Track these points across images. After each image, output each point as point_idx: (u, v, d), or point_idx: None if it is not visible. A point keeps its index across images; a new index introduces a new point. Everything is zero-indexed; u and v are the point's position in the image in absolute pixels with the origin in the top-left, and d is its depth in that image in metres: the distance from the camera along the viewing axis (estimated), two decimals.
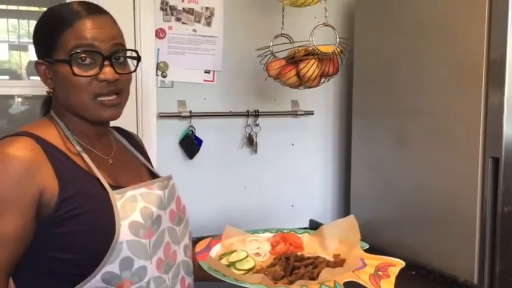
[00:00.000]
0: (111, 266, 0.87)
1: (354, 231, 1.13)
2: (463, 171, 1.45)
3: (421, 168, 1.60)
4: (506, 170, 1.35)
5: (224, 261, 1.08)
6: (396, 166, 1.71)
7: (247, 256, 1.10)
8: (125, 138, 1.12)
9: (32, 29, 1.79)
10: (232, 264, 1.07)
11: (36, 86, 1.65)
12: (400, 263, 1.01)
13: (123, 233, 0.88)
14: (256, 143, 1.89)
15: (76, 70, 0.90)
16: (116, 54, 0.93)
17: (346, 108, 2.06)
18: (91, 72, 0.91)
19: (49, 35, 0.93)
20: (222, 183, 1.88)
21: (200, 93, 1.83)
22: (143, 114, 1.73)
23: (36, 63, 0.96)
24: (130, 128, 1.66)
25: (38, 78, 0.98)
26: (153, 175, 1.10)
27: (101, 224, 0.88)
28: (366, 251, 1.09)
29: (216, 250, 1.14)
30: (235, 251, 1.12)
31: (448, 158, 1.50)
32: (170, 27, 1.76)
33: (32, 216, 0.86)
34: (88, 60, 0.91)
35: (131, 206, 0.92)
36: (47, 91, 0.98)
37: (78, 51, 0.90)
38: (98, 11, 0.95)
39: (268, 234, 1.23)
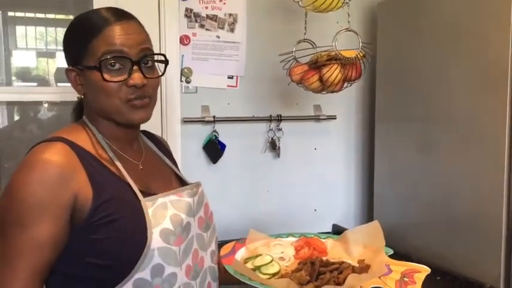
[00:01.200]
0: (143, 273, 0.87)
1: (378, 237, 1.12)
2: (489, 176, 1.44)
3: (446, 173, 1.59)
4: None
5: (249, 265, 1.08)
6: (420, 171, 1.70)
7: (272, 260, 1.10)
8: (153, 143, 1.12)
9: (59, 36, 1.84)
10: (257, 268, 1.07)
11: (63, 92, 1.69)
12: (426, 269, 1.00)
13: (155, 240, 0.88)
14: (279, 147, 1.89)
15: (106, 76, 0.91)
16: (145, 59, 0.94)
17: (369, 113, 2.06)
18: (120, 78, 0.91)
19: (79, 42, 0.94)
20: (245, 187, 1.89)
21: (223, 98, 1.84)
22: (168, 119, 1.75)
23: (66, 70, 0.97)
24: (156, 132, 1.73)
25: (66, 84, 0.98)
26: (181, 181, 1.10)
27: (134, 231, 0.88)
28: (391, 256, 1.09)
29: (240, 254, 1.14)
30: (260, 255, 1.12)
31: (473, 163, 1.49)
32: (194, 34, 1.78)
33: (67, 221, 0.86)
34: (117, 66, 0.92)
35: (162, 213, 0.92)
36: (77, 97, 0.99)
37: (108, 57, 0.91)
38: (126, 17, 0.95)
39: (292, 239, 1.22)
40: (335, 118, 1.99)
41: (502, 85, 1.37)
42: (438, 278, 1.49)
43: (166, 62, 1.00)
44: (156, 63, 0.99)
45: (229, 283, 1.14)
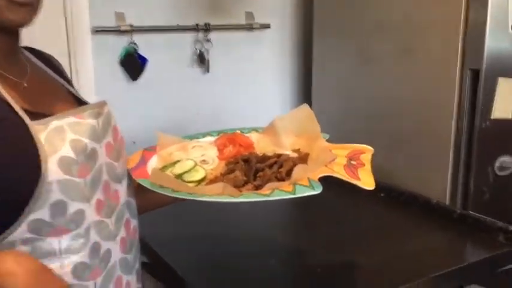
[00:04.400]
0: (39, 213, 0.69)
1: (311, 122, 0.98)
2: (438, 85, 1.33)
3: (389, 86, 1.48)
4: (487, 83, 1.24)
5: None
6: (362, 85, 1.58)
7: (195, 165, 0.92)
8: (42, 62, 0.90)
9: None
10: (178, 176, 0.90)
11: None
12: (369, 149, 0.91)
13: (52, 171, 0.69)
14: (208, 61, 1.71)
15: None
16: None
17: (306, 20, 1.89)
18: None
19: None
20: (171, 106, 1.71)
21: (141, 3, 1.61)
22: (74, 30, 1.50)
23: None
24: (60, 47, 1.49)
25: None
26: (81, 102, 0.90)
27: (21, 161, 0.70)
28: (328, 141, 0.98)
29: (153, 164, 0.94)
30: (178, 161, 0.94)
31: (421, 72, 1.37)
32: None
33: None
34: None
35: (58, 138, 0.72)
36: None
37: None
38: None
39: (211, 138, 1.05)
40: (269, 27, 1.82)
41: None
42: (382, 194, 1.41)
43: None
44: None
45: (151, 207, 0.97)
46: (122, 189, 0.85)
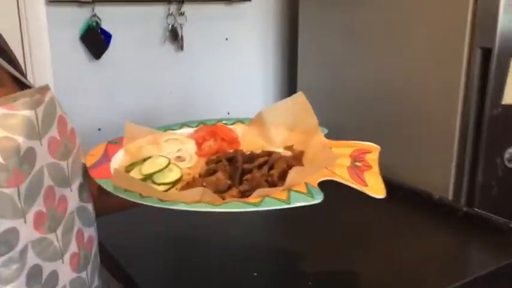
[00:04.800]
0: None
1: (307, 113, 0.84)
2: (442, 65, 1.18)
3: (385, 61, 1.33)
4: (500, 64, 1.10)
5: (135, 174, 0.77)
6: (353, 66, 1.42)
7: (169, 163, 0.78)
8: None
9: None
10: (148, 177, 0.76)
11: None
12: (376, 148, 0.80)
13: None
14: (182, 37, 1.54)
15: None
16: None
17: None
18: None
19: None
20: (140, 89, 1.54)
21: None
22: (26, 0, 1.31)
23: None
24: (10, 20, 1.30)
25: None
26: (24, 87, 0.74)
27: None
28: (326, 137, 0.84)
29: (118, 160, 0.81)
30: (148, 157, 0.81)
31: (422, 49, 1.22)
32: None
33: None
34: None
35: None
36: None
37: None
38: None
39: (188, 130, 0.91)
40: (250, 0, 1.66)
41: None
42: None
43: None
44: None
45: (113, 211, 0.84)
46: (71, 195, 0.70)
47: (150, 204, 0.64)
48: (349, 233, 1.10)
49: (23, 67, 1.20)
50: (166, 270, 0.95)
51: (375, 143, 0.83)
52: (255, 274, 0.92)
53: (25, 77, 0.74)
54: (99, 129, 1.45)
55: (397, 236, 1.09)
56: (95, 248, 0.76)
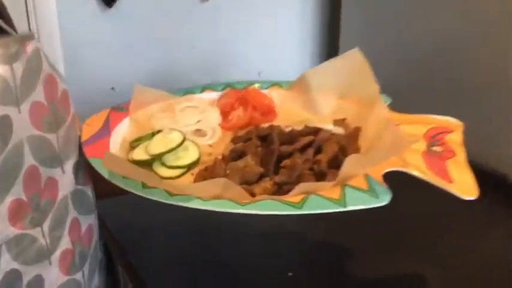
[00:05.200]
0: None
1: (365, 75, 0.68)
2: None
3: (448, 19, 1.11)
4: None
5: (140, 154, 0.64)
6: (410, 20, 1.22)
7: (183, 140, 0.65)
8: None
9: None
10: (156, 158, 0.63)
11: None
12: (458, 125, 0.62)
13: None
14: None
15: None
16: None
17: None
18: None
19: None
20: (159, 43, 1.41)
21: None
22: None
23: None
24: None
25: None
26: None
27: None
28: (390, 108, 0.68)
29: (121, 132, 0.68)
30: (159, 131, 0.68)
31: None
32: None
33: None
34: None
35: None
36: None
37: None
38: None
39: (212, 94, 0.78)
40: None
41: None
42: None
43: None
44: None
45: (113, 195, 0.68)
46: (63, 177, 0.60)
47: (155, 199, 0.53)
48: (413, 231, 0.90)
49: (26, 21, 1.07)
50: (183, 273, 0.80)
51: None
52: (290, 274, 0.77)
53: (11, 24, 0.61)
54: (113, 88, 1.34)
55: (461, 228, 0.90)
56: (94, 240, 0.65)
